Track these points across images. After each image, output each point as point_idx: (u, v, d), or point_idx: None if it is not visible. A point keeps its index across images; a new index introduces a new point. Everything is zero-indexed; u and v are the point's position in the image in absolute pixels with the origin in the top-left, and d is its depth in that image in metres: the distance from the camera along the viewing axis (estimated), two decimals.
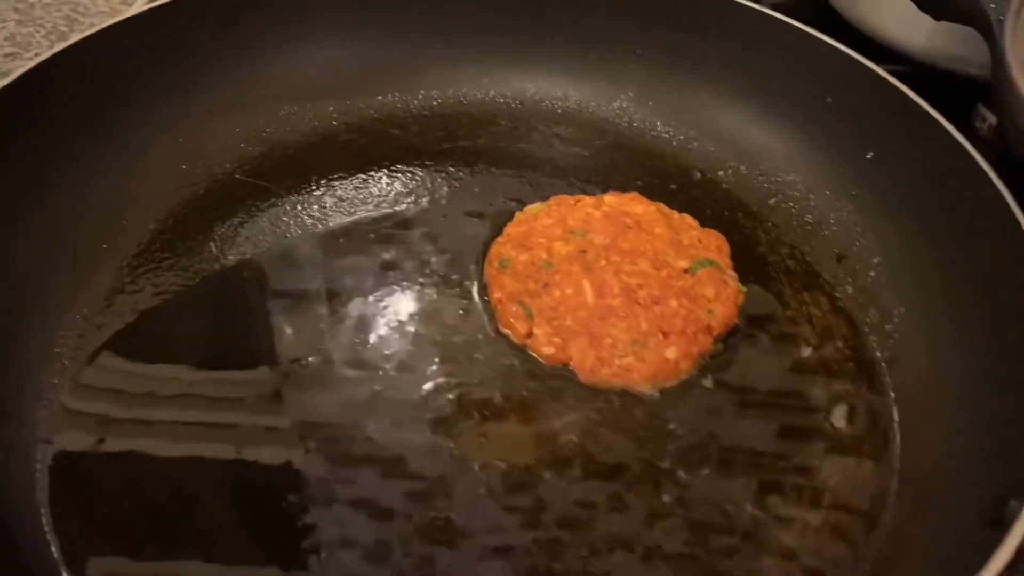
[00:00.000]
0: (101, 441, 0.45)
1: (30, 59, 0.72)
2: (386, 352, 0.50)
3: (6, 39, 0.73)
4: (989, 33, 0.55)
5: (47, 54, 0.53)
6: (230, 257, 0.54)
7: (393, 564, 0.41)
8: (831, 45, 0.57)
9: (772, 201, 0.59)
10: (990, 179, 0.47)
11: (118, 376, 0.48)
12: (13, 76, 0.51)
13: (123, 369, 0.48)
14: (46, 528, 0.41)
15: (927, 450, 0.45)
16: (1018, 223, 0.45)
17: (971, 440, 0.43)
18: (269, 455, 0.45)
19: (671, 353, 0.48)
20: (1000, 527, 0.34)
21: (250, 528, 0.43)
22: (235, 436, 0.45)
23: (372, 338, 0.50)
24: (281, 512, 0.43)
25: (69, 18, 0.76)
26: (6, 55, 0.71)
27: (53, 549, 0.40)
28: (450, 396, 0.48)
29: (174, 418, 0.46)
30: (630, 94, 0.64)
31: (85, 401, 0.47)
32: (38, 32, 0.74)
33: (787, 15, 0.59)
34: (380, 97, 0.64)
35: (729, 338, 0.51)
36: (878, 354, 0.51)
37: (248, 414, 0.47)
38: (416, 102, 0.64)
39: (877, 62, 0.55)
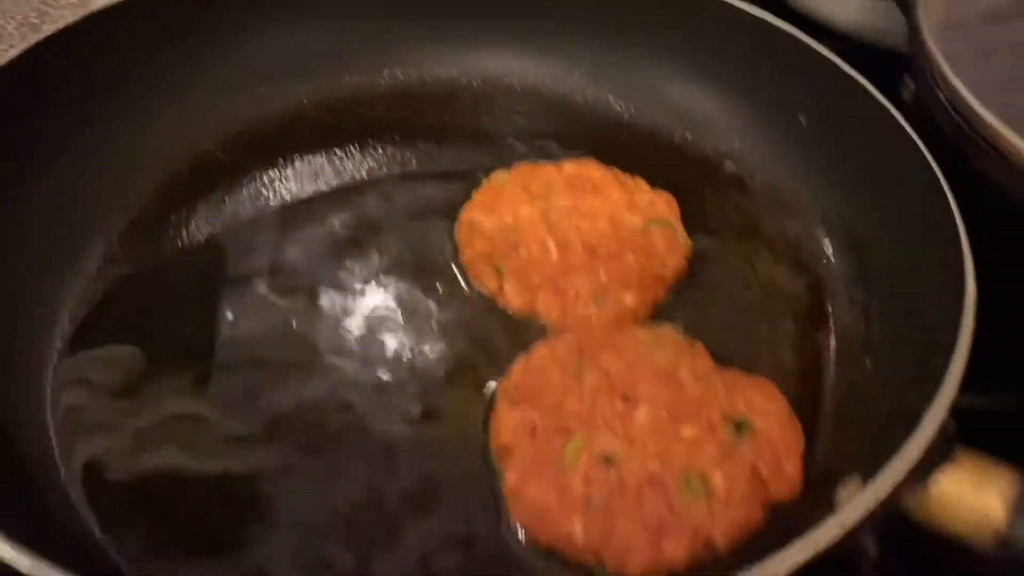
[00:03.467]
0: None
1: (3, 50, 0.74)
2: (372, 305, 0.54)
3: None
4: (905, 5, 0.61)
5: (28, 43, 0.55)
6: (214, 229, 0.58)
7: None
8: (767, 21, 0.62)
9: (716, 164, 0.64)
10: (912, 138, 0.52)
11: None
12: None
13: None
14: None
15: (856, 375, 0.51)
16: (937, 178, 0.50)
17: (893, 366, 0.48)
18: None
19: (629, 301, 0.53)
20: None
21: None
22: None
23: (358, 302, 0.54)
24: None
25: (39, 10, 0.78)
26: None
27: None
28: (427, 346, 0.52)
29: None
30: (584, 71, 0.69)
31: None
32: (9, 24, 0.76)
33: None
34: (347, 77, 0.68)
35: (678, 286, 0.56)
36: (816, 296, 0.56)
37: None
38: (382, 81, 0.68)
39: (818, 40, 0.60)
